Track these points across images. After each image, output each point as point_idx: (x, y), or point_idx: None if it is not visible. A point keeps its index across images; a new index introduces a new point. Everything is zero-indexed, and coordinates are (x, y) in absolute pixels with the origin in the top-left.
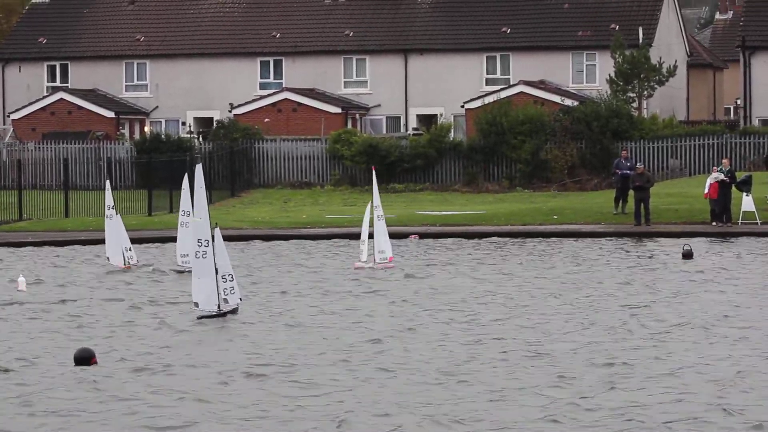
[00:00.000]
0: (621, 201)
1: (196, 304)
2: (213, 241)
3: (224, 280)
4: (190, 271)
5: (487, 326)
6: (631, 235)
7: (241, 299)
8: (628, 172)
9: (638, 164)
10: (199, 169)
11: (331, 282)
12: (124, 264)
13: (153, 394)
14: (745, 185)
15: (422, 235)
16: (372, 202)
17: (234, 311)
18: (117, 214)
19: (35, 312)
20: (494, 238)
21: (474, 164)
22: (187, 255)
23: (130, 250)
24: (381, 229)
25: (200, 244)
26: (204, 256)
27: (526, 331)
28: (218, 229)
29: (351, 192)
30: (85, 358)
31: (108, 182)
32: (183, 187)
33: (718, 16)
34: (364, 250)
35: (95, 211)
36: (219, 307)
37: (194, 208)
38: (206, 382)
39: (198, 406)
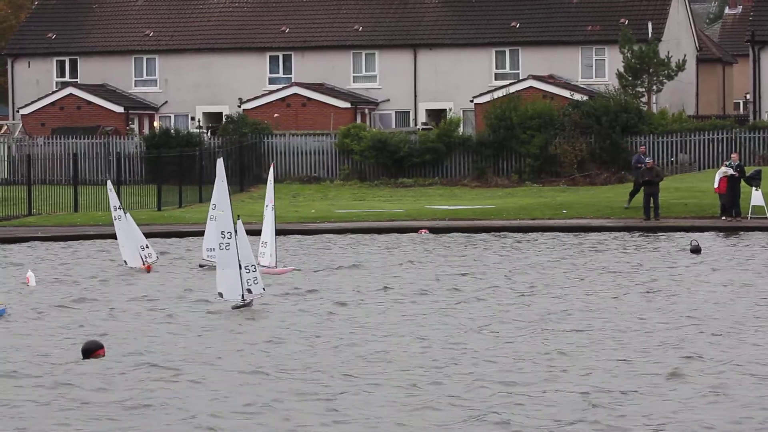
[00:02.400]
0: (632, 195)
1: (221, 295)
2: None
3: (247, 270)
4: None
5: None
6: (641, 229)
7: (264, 289)
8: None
9: (647, 158)
10: (220, 162)
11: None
12: (143, 264)
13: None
14: (755, 180)
15: (432, 230)
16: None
17: (249, 303)
18: (126, 213)
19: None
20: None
21: (483, 159)
22: (214, 249)
23: (147, 248)
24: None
25: (224, 236)
26: (227, 247)
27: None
28: (240, 221)
29: (360, 187)
30: (90, 350)
31: (109, 182)
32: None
33: (727, 10)
34: (266, 252)
35: (104, 205)
36: (243, 297)
37: (217, 201)
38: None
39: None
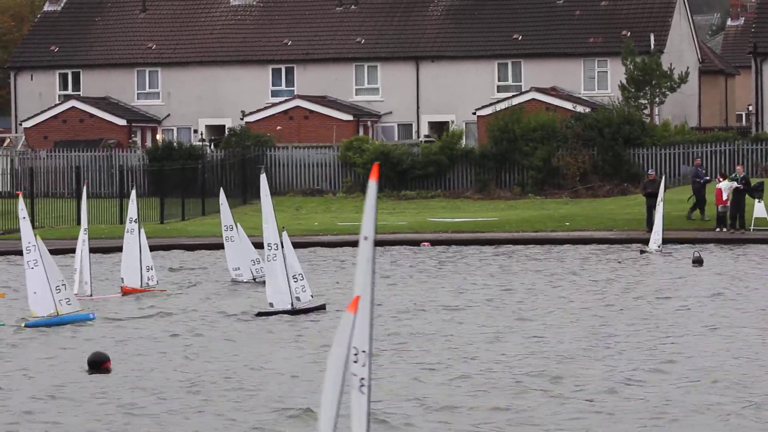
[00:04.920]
0: (700, 208)
1: (271, 304)
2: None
3: (295, 279)
4: (246, 282)
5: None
6: (643, 241)
7: (312, 296)
8: (708, 178)
9: (650, 171)
10: (263, 178)
11: None
12: (141, 287)
13: None
14: (758, 192)
15: (434, 242)
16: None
17: (322, 307)
18: (141, 229)
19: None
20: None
21: (486, 171)
22: (239, 268)
23: (151, 269)
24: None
25: (270, 247)
26: (274, 258)
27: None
28: (285, 232)
29: (363, 199)
30: (98, 362)
31: (133, 192)
32: (221, 201)
33: (729, 22)
34: (76, 279)
35: (107, 219)
36: (292, 305)
37: (262, 215)
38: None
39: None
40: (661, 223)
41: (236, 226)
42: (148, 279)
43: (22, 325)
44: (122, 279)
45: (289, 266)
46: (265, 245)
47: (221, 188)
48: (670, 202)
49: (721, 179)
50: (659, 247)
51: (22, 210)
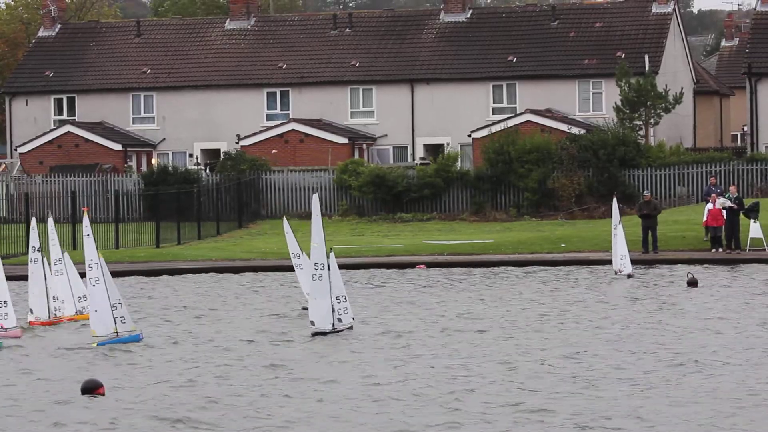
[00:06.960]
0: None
1: (313, 323)
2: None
3: (338, 300)
4: None
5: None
6: (639, 262)
7: (353, 318)
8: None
9: (645, 192)
10: (315, 198)
11: None
12: (49, 318)
13: None
14: (753, 212)
15: (430, 265)
16: None
17: (350, 328)
18: (43, 257)
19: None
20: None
21: (481, 193)
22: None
23: (57, 300)
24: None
25: (317, 267)
26: (320, 278)
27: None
28: (333, 253)
29: (359, 222)
30: (90, 389)
31: (33, 220)
32: (286, 230)
33: (724, 43)
34: (8, 312)
35: (104, 243)
36: (333, 325)
37: (311, 234)
38: None
39: None
40: (625, 246)
41: (302, 253)
42: (56, 310)
43: (94, 344)
44: (31, 310)
45: (334, 287)
46: (312, 265)
47: (284, 217)
48: (666, 223)
49: (716, 198)
50: (624, 270)
51: (87, 227)
